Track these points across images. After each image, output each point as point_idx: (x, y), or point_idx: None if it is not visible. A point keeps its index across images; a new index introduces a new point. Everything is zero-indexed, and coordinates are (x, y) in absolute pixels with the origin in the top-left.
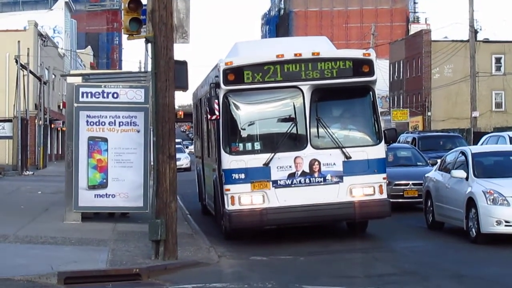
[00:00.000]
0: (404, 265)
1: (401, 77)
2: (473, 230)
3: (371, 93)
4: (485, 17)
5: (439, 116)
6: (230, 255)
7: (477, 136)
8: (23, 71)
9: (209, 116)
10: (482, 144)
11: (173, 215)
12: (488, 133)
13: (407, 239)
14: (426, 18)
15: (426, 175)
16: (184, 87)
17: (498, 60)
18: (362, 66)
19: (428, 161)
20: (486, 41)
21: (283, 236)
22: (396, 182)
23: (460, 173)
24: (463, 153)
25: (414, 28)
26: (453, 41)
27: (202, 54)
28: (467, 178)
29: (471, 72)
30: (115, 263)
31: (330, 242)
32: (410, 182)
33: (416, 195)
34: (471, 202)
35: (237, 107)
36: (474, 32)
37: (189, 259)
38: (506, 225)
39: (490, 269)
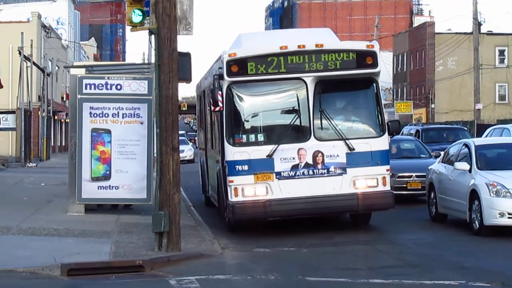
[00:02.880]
0: (407, 257)
1: (404, 69)
2: (476, 222)
3: (374, 85)
4: (488, 9)
5: (443, 108)
6: (233, 247)
7: (481, 128)
8: (26, 62)
9: (212, 108)
10: (486, 136)
11: (177, 206)
12: (492, 125)
13: (410, 231)
14: (430, 10)
15: (429, 167)
16: (188, 79)
17: (501, 53)
18: (366, 58)
19: (432, 153)
20: (490, 33)
21: (286, 228)
22: (400, 174)
23: (464, 165)
24: (466, 145)
25: (417, 20)
26: (456, 33)
27: (205, 46)
28: (470, 170)
29: (475, 65)
30: (118, 255)
31: (333, 234)
32: (414, 174)
33: (419, 187)
34: (474, 194)
35: (240, 99)
36: (477, 24)
37: (192, 251)
38: (509, 217)
39: (493, 261)
